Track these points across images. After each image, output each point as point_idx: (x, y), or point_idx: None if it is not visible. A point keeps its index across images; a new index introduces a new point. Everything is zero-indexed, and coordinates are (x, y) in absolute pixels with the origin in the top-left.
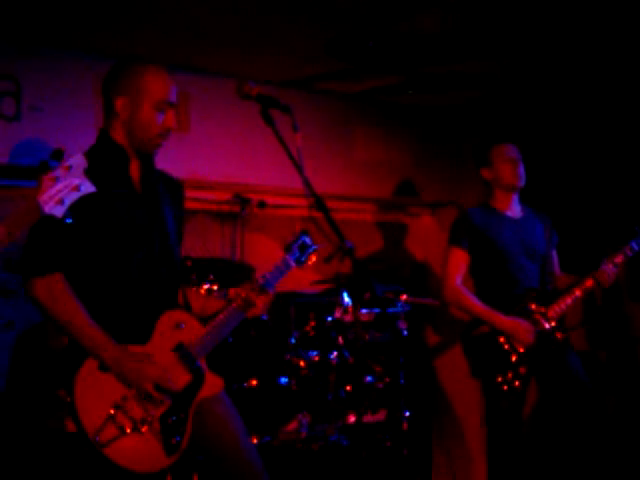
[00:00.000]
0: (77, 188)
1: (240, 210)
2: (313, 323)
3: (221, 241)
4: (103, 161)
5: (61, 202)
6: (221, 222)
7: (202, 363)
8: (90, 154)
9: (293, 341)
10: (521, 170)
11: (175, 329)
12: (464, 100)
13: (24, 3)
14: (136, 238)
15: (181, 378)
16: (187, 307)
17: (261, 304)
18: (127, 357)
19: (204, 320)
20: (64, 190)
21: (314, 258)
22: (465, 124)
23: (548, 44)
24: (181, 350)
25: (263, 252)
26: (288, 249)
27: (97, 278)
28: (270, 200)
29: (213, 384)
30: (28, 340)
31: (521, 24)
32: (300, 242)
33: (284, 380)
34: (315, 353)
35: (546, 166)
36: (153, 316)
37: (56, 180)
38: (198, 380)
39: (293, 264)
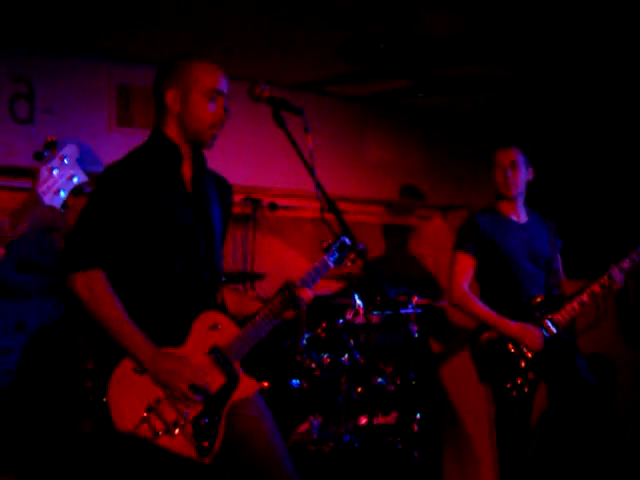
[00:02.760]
0: (72, 178)
1: (251, 212)
2: (324, 325)
3: (233, 243)
4: (156, 158)
5: (58, 192)
6: (232, 224)
7: (237, 365)
8: (143, 150)
9: (304, 343)
10: (512, 177)
11: (211, 331)
12: (475, 103)
13: (37, 6)
14: (183, 239)
15: (215, 380)
16: (224, 307)
17: (301, 304)
18: (163, 357)
19: (240, 322)
20: (60, 180)
21: (352, 257)
22: (476, 127)
23: (560, 47)
24: (216, 352)
25: (274, 254)
26: (327, 249)
27: (139, 277)
28: (281, 202)
29: (247, 386)
30: (39, 341)
31: (532, 27)
32: (339, 243)
33: (295, 382)
34: (326, 355)
35: (555, 169)
36: (191, 317)
37: (52, 170)
38: (232, 382)
39: (331, 264)
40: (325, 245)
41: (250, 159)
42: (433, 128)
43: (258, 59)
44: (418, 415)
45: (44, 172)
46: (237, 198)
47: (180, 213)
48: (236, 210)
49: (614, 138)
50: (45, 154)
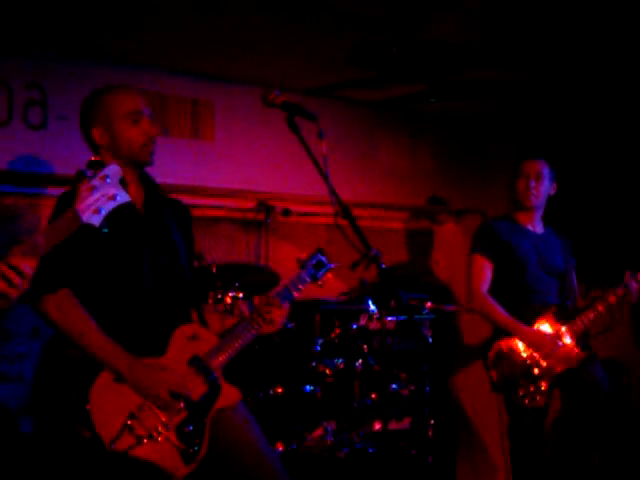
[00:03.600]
0: (113, 197)
1: (265, 218)
2: (338, 330)
3: (246, 249)
4: None
5: (98, 211)
6: (246, 230)
7: (218, 375)
8: None
9: (318, 349)
10: (534, 188)
11: (191, 341)
12: (488, 108)
13: (50, 13)
14: (141, 259)
15: (197, 388)
16: (203, 322)
17: (277, 319)
18: (141, 365)
19: (220, 335)
20: (101, 199)
21: (329, 276)
22: (489, 132)
23: (574, 51)
24: (197, 362)
25: (287, 260)
26: (303, 265)
27: (106, 295)
28: (294, 208)
29: (230, 395)
30: (51, 348)
31: (546, 31)
32: (316, 260)
33: (309, 388)
34: (340, 360)
35: (569, 175)
36: (166, 331)
37: (93, 189)
38: (214, 391)
39: (308, 280)
40: (302, 259)
41: (263, 165)
42: (445, 133)
43: (270, 65)
44: (432, 421)
45: (84, 191)
46: (250, 204)
47: (135, 238)
48: (249, 216)
49: (629, 142)
50: (87, 173)
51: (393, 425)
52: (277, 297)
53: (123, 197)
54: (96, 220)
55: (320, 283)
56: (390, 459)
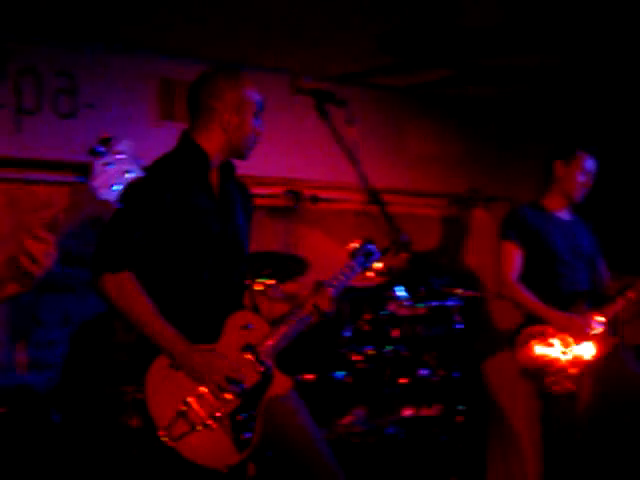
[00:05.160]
0: (127, 172)
1: (293, 205)
2: (367, 317)
3: (274, 236)
4: (185, 165)
5: (113, 187)
6: (274, 217)
7: (270, 363)
8: (173, 157)
9: (348, 335)
10: (589, 186)
11: (243, 330)
12: (518, 93)
13: (81, 1)
14: (211, 244)
15: (250, 377)
16: (256, 309)
17: (327, 308)
18: (196, 352)
19: (272, 322)
20: (115, 175)
21: (379, 265)
22: (517, 117)
23: (605, 35)
24: (249, 350)
25: (316, 246)
26: (354, 255)
27: (170, 279)
28: (323, 194)
29: (281, 383)
30: (83, 335)
31: (577, 15)
32: (365, 249)
33: (340, 374)
34: (370, 347)
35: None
36: (221, 318)
37: (107, 165)
38: (267, 379)
39: (359, 269)
40: (351, 250)
41: (292, 152)
42: (474, 119)
43: (299, 52)
44: (462, 407)
45: (98, 167)
46: (279, 190)
47: (208, 219)
48: (278, 203)
49: None
50: (100, 149)
51: (423, 411)
52: (327, 285)
53: (136, 172)
54: (111, 196)
55: (370, 273)
56: (420, 445)
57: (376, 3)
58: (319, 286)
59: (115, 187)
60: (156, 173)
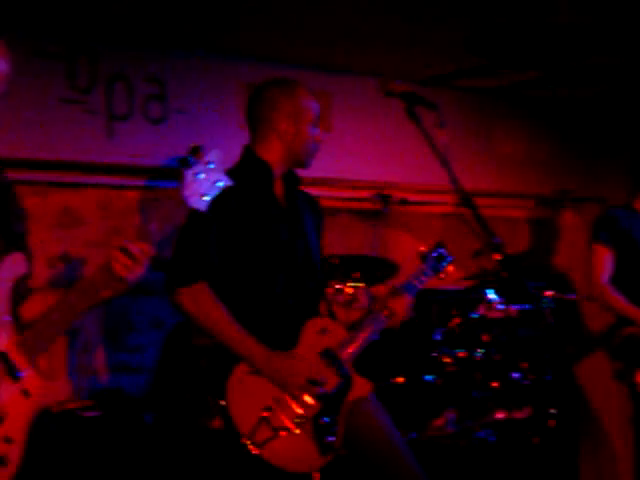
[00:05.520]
0: (217, 182)
1: (381, 208)
2: (457, 320)
3: (363, 239)
4: (248, 178)
5: (203, 196)
6: (363, 220)
7: (349, 367)
8: (235, 171)
9: (438, 338)
10: None
11: (321, 334)
12: (606, 93)
13: (169, 7)
14: (281, 252)
15: (331, 381)
16: (332, 316)
17: (402, 311)
18: (277, 357)
19: (349, 327)
20: (205, 184)
21: (451, 269)
22: (606, 118)
23: None
24: (328, 354)
25: (405, 249)
26: (424, 259)
27: (243, 288)
28: (411, 197)
29: (361, 387)
30: (175, 338)
31: None
32: (437, 253)
33: (430, 377)
34: (460, 350)
35: None
36: (297, 325)
37: (197, 175)
38: (347, 383)
39: (431, 273)
40: (423, 253)
41: (381, 155)
42: (563, 120)
43: (387, 55)
44: (554, 410)
45: (189, 176)
46: (367, 194)
47: (276, 228)
48: (366, 206)
49: None
50: (190, 159)
51: (515, 414)
52: (401, 289)
53: (226, 181)
54: (202, 205)
55: (442, 276)
56: (511, 448)
57: (462, 4)
58: (394, 291)
59: (205, 197)
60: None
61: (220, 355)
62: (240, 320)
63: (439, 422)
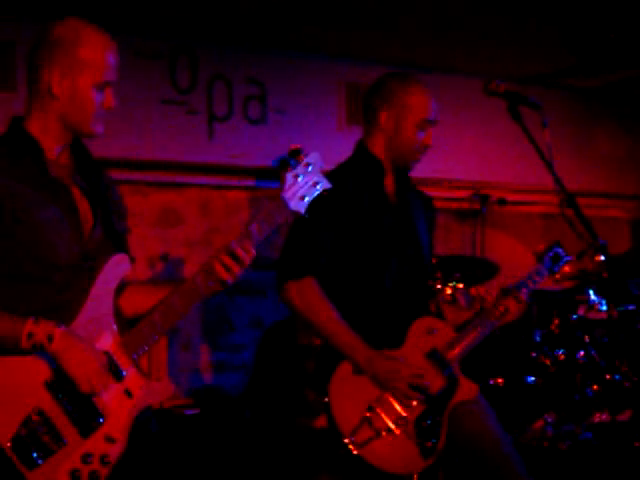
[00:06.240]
0: (316, 185)
1: (480, 207)
2: (557, 321)
3: (461, 239)
4: (361, 172)
5: (303, 198)
6: (461, 220)
7: (456, 368)
8: (349, 164)
9: (538, 339)
10: None
11: (428, 334)
12: None
13: (269, 8)
14: (389, 248)
15: (435, 382)
16: (440, 315)
17: (515, 311)
18: (380, 358)
19: (457, 327)
20: (305, 187)
21: (567, 269)
22: None
23: None
24: (434, 355)
25: (503, 249)
26: (540, 259)
27: (352, 285)
28: (510, 197)
29: (467, 389)
30: (272, 337)
31: None
32: (553, 253)
33: (530, 379)
34: (561, 351)
35: None
36: (405, 323)
37: (297, 177)
38: (452, 385)
39: (546, 273)
40: (538, 252)
41: (478, 155)
42: None
43: (488, 53)
44: None
45: (290, 178)
46: (465, 194)
47: (386, 225)
48: (464, 206)
49: None
50: (291, 161)
51: (615, 417)
52: (515, 289)
53: (325, 184)
54: (302, 207)
55: (558, 277)
56: (612, 451)
57: (562, 4)
58: (507, 290)
59: (306, 199)
60: (336, 180)
61: (326, 354)
62: (348, 316)
63: (539, 424)
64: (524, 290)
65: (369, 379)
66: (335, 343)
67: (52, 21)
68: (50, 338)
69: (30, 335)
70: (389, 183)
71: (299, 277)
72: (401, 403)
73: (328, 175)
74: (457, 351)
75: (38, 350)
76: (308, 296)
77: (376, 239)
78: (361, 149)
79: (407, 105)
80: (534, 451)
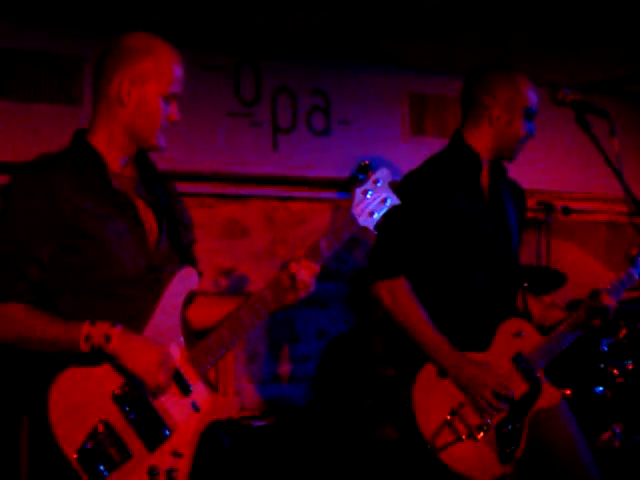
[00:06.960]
0: (384, 201)
1: (544, 217)
2: (624, 331)
3: (526, 248)
4: (455, 167)
5: (372, 214)
6: (526, 229)
7: (540, 374)
8: (442, 158)
9: (605, 349)
10: None
11: (515, 337)
12: None
13: (333, 20)
14: (484, 247)
15: (518, 387)
16: (527, 314)
17: (603, 319)
18: (466, 363)
19: (543, 330)
20: (373, 203)
21: None
22: None
23: None
24: (519, 360)
25: (569, 259)
26: (633, 262)
27: (442, 285)
28: (574, 206)
29: (551, 396)
30: (334, 349)
31: None
32: None
33: (599, 389)
34: (629, 362)
35: None
36: (493, 324)
37: (366, 193)
38: (535, 391)
39: (637, 277)
40: (631, 255)
41: (543, 164)
42: None
43: (553, 63)
44: None
45: (359, 194)
46: (529, 203)
47: (480, 222)
48: (529, 215)
49: None
50: (359, 177)
51: None
52: (605, 292)
53: (394, 200)
54: (371, 223)
55: None
56: None
57: (629, 9)
58: (596, 293)
59: (375, 215)
60: (426, 176)
61: (408, 357)
62: (436, 316)
63: (607, 435)
64: (614, 293)
65: (453, 383)
66: (421, 344)
67: (121, 34)
68: (108, 338)
69: (88, 337)
70: (484, 178)
71: (390, 277)
72: (483, 409)
73: (419, 170)
74: (542, 357)
75: (97, 351)
76: (398, 296)
77: (469, 238)
78: (458, 140)
79: (518, 98)
80: (602, 462)
